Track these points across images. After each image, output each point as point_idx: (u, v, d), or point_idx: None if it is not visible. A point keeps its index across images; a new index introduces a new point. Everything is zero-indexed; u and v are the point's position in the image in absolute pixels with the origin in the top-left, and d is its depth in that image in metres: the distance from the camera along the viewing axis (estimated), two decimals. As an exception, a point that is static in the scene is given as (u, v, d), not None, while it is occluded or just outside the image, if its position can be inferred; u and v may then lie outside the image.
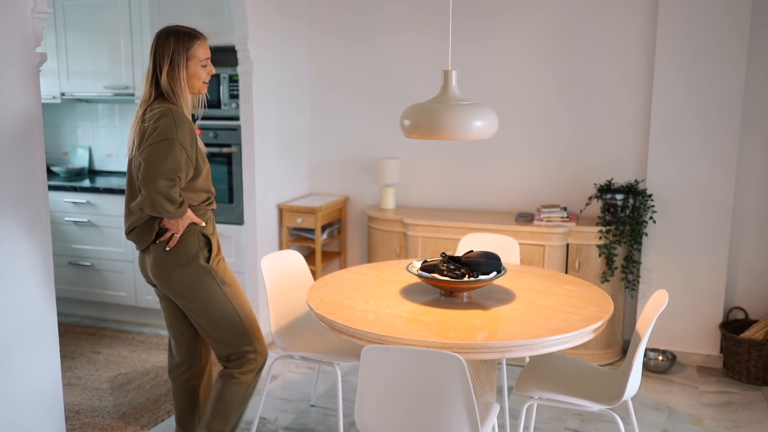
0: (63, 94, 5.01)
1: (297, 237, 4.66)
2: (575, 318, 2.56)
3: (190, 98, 2.67)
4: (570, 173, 4.37)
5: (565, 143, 4.36)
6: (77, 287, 4.90)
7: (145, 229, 2.66)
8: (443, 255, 2.92)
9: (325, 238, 4.65)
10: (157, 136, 2.46)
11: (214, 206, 2.80)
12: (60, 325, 4.74)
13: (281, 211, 4.56)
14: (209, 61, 2.68)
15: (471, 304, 2.73)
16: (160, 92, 2.59)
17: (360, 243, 4.93)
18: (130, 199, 2.68)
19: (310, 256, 4.68)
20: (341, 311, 2.64)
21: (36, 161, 2.71)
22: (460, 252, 3.62)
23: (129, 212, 2.69)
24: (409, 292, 2.88)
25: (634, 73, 4.15)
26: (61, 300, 4.96)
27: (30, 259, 2.69)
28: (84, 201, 4.74)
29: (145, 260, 2.75)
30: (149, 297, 4.69)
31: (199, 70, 2.63)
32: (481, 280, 2.72)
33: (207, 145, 4.37)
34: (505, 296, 2.83)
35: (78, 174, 5.30)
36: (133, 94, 4.81)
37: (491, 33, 4.40)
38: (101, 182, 4.97)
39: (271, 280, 3.16)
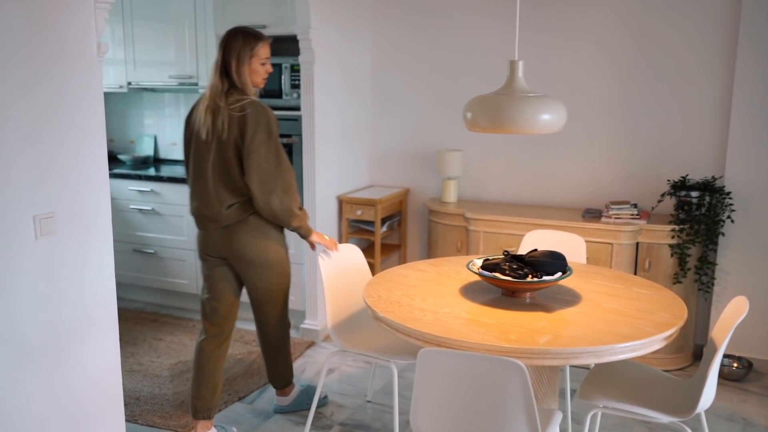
0: (129, 84, 5.09)
1: (356, 229, 4.61)
2: (645, 324, 2.42)
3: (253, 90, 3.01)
4: (641, 168, 4.17)
5: (637, 136, 4.15)
6: (141, 274, 4.98)
7: (245, 206, 2.95)
8: (505, 253, 2.80)
9: (384, 230, 4.59)
10: (265, 132, 2.87)
11: None
12: (124, 311, 4.84)
13: (341, 202, 4.52)
14: (269, 60, 3.04)
15: (534, 306, 2.62)
16: (232, 83, 2.92)
17: (420, 236, 4.84)
18: (223, 177, 2.91)
19: (369, 249, 4.62)
20: (399, 309, 2.56)
21: (97, 151, 2.72)
22: (523, 249, 3.49)
23: (224, 189, 2.91)
24: (468, 291, 2.79)
25: (713, 62, 3.91)
26: (125, 286, 5.06)
27: (91, 247, 2.71)
28: (148, 189, 4.81)
29: (224, 235, 2.99)
30: (210, 286, 4.73)
31: (258, 67, 2.97)
32: (545, 281, 2.60)
33: (268, 135, 4.37)
34: (570, 298, 2.70)
35: (143, 162, 5.38)
36: (196, 84, 4.84)
37: (559, 19, 4.23)
38: (166, 171, 5.03)
39: (329, 275, 3.11)
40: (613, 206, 3.95)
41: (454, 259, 3.27)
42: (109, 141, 5.69)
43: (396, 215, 4.78)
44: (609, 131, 4.22)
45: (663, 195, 3.93)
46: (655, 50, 4.04)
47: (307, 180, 4.23)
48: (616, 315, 2.52)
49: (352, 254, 3.30)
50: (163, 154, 5.52)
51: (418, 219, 4.84)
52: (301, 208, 3.05)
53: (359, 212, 4.44)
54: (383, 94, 4.79)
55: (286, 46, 4.59)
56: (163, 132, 5.49)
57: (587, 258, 3.67)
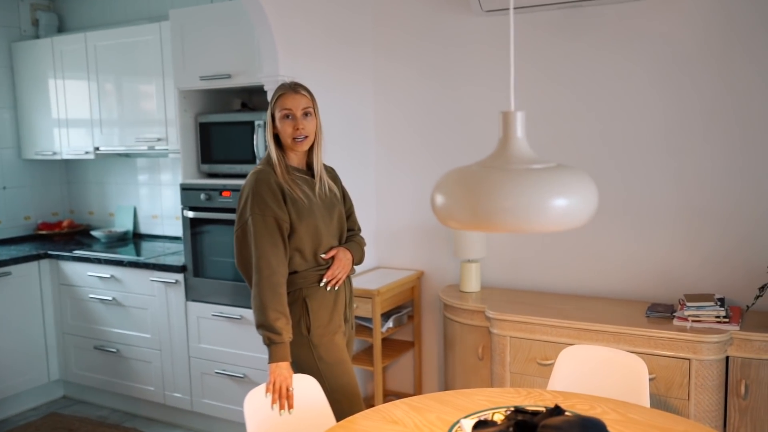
0: (97, 149, 4.34)
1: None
2: None
3: (282, 154, 2.49)
4: (729, 250, 3.05)
5: (722, 207, 3.05)
6: (104, 376, 4.13)
7: None
8: (511, 411, 1.78)
9: (390, 326, 3.59)
10: (237, 221, 2.48)
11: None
12: (84, 420, 4.03)
13: (333, 292, 3.55)
14: (293, 112, 2.43)
15: None
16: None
17: (439, 331, 3.82)
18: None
19: (370, 351, 3.64)
20: None
21: None
22: (556, 377, 2.45)
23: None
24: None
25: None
26: (89, 389, 4.25)
27: None
28: (108, 275, 3.99)
29: None
30: (177, 394, 3.83)
31: (280, 122, 2.45)
32: (567, 479, 1.55)
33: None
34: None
35: (121, 239, 4.61)
36: (166, 149, 4.03)
37: (597, 45, 3.21)
38: (146, 249, 4.25)
39: (258, 425, 2.14)
40: (690, 303, 2.85)
41: (449, 398, 2.24)
42: (89, 213, 4.97)
43: (406, 306, 3.78)
44: (682, 200, 3.13)
45: (762, 288, 2.80)
46: (742, 89, 2.96)
47: (284, 268, 3.30)
48: None
49: (304, 386, 2.33)
50: (144, 228, 4.72)
51: (436, 309, 3.82)
52: (280, 314, 2.35)
53: (354, 306, 3.46)
54: (390, 157, 3.84)
55: (261, 99, 3.76)
56: (142, 203, 4.71)
57: (654, 379, 2.58)
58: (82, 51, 4.26)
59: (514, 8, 3.23)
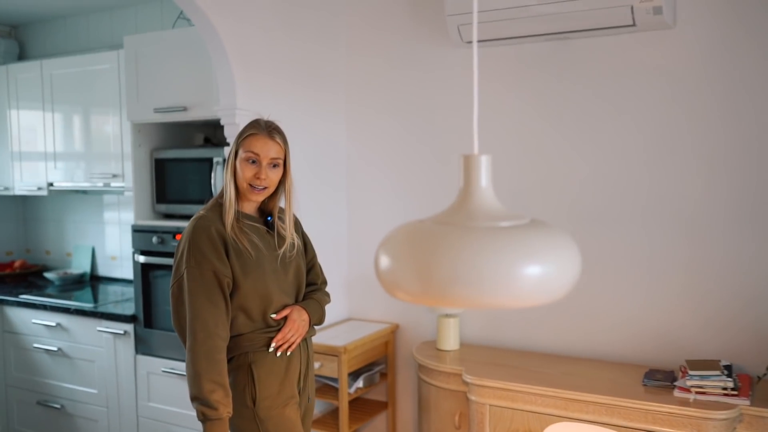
0: (50, 185, 4.02)
1: (319, 385, 3.27)
2: None
3: (237, 197, 2.16)
4: (736, 310, 2.72)
5: (729, 262, 2.73)
6: (48, 435, 3.76)
7: None
8: None
9: (360, 386, 3.24)
10: (173, 275, 2.14)
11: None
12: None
13: (296, 348, 3.21)
14: (259, 159, 2.11)
15: None
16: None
17: (415, 390, 3.46)
18: None
19: (335, 414, 3.28)
20: None
21: None
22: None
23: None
24: None
25: None
26: (25, 452, 3.86)
27: None
28: (53, 323, 3.64)
29: None
30: (124, 459, 3.46)
31: (241, 164, 2.13)
32: None
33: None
34: None
35: (77, 281, 4.27)
36: (123, 186, 3.72)
37: (584, 81, 2.92)
38: (104, 294, 3.93)
39: None
40: (693, 372, 2.50)
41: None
42: (45, 253, 4.63)
43: (379, 362, 3.43)
44: (683, 251, 2.81)
45: (774, 356, 2.47)
46: (753, 116, 2.66)
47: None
48: None
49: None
50: (102, 270, 4.38)
51: (413, 366, 3.47)
52: (217, 385, 1.99)
53: (318, 365, 3.11)
54: (364, 198, 3.53)
55: (221, 134, 3.46)
56: (102, 243, 4.38)
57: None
58: (37, 79, 3.98)
59: (498, 39, 2.96)
